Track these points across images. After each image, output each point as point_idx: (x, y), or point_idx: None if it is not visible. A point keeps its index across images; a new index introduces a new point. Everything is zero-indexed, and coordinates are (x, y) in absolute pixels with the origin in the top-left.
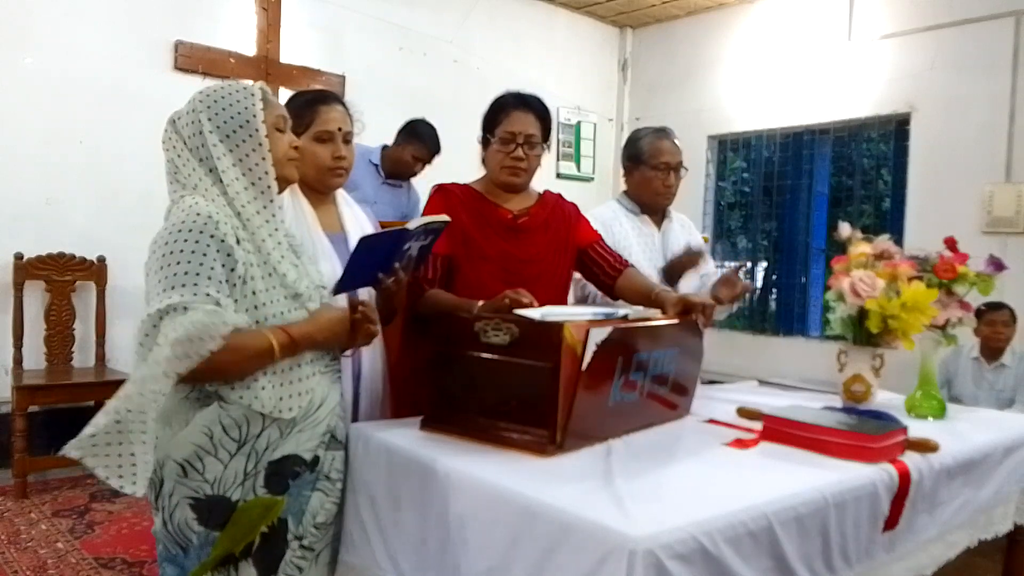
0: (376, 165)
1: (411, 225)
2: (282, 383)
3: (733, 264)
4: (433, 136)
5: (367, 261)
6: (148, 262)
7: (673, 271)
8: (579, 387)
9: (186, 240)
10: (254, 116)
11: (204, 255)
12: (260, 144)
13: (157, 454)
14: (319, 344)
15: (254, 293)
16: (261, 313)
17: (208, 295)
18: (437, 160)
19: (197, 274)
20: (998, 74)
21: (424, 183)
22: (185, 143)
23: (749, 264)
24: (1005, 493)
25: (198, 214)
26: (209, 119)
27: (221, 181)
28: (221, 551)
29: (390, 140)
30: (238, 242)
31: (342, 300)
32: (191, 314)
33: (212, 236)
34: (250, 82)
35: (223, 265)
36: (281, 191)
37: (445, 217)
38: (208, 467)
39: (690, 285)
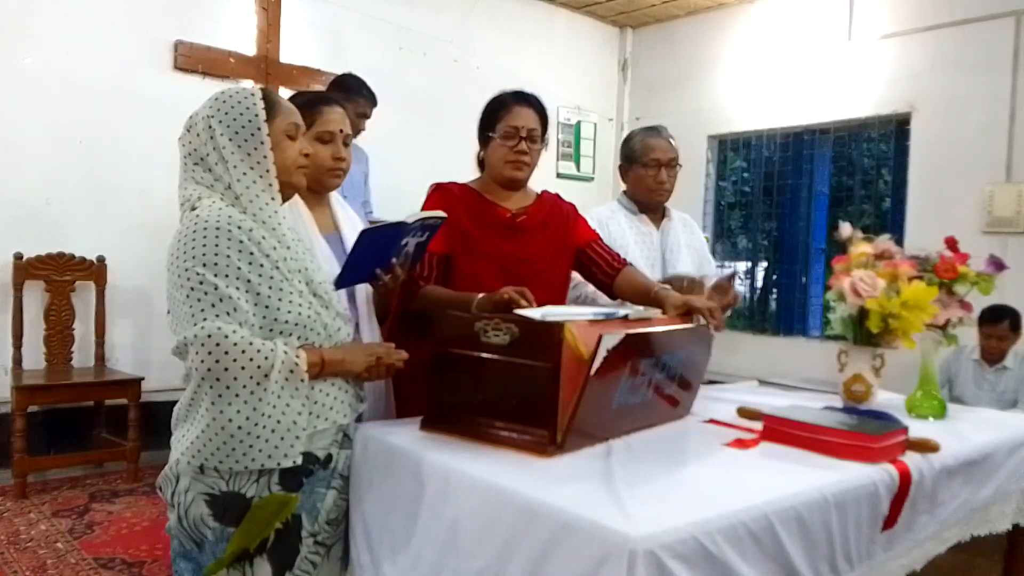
0: None
1: (409, 219)
2: (311, 412)
3: (727, 272)
4: (367, 86)
5: (367, 255)
6: (172, 261)
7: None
8: (585, 390)
9: (216, 240)
10: (256, 116)
11: (228, 256)
12: (263, 143)
13: (173, 451)
14: (345, 372)
15: (281, 290)
16: (283, 311)
17: (235, 308)
18: (441, 163)
19: (224, 275)
20: (998, 74)
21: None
22: (199, 146)
23: (739, 270)
24: (1004, 492)
25: (219, 215)
26: (220, 121)
27: (235, 183)
28: (236, 547)
29: (389, 140)
30: (260, 240)
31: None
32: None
33: (231, 237)
34: (254, 85)
35: (248, 263)
36: (289, 198)
37: (441, 213)
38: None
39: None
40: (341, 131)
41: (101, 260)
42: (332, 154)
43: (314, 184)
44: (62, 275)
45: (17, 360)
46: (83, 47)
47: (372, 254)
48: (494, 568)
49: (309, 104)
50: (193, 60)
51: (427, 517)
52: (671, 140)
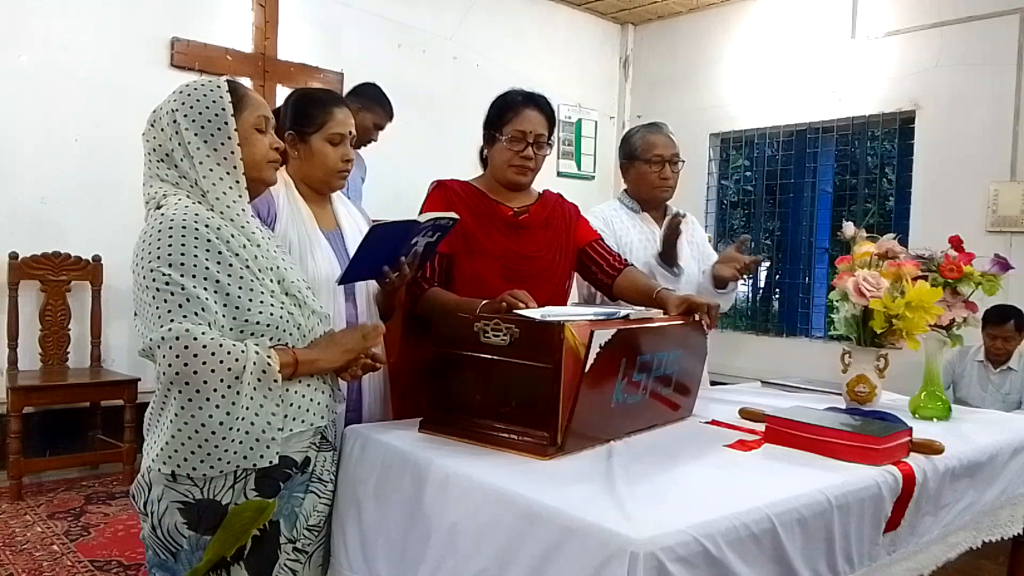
0: None
1: (421, 217)
2: (286, 414)
3: (735, 241)
4: (388, 99)
5: (375, 252)
6: (137, 261)
7: (666, 251)
8: (581, 388)
9: (182, 240)
10: (223, 109)
11: (195, 256)
12: (230, 139)
13: (145, 458)
14: (321, 371)
15: (252, 290)
16: (254, 311)
17: (203, 309)
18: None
19: (192, 275)
20: (1003, 71)
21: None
22: (164, 141)
23: (750, 239)
24: (1012, 495)
25: (185, 213)
26: (185, 115)
27: (201, 180)
28: (212, 556)
29: (388, 137)
30: (229, 239)
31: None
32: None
33: (198, 235)
34: (223, 78)
35: (216, 263)
36: (259, 193)
37: (454, 215)
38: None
39: (691, 283)
40: (350, 132)
41: (97, 260)
42: (341, 156)
43: (320, 185)
44: (58, 275)
45: (12, 361)
46: (79, 44)
47: (380, 251)
48: (494, 570)
49: (319, 104)
50: (190, 57)
51: (424, 519)
52: (672, 136)
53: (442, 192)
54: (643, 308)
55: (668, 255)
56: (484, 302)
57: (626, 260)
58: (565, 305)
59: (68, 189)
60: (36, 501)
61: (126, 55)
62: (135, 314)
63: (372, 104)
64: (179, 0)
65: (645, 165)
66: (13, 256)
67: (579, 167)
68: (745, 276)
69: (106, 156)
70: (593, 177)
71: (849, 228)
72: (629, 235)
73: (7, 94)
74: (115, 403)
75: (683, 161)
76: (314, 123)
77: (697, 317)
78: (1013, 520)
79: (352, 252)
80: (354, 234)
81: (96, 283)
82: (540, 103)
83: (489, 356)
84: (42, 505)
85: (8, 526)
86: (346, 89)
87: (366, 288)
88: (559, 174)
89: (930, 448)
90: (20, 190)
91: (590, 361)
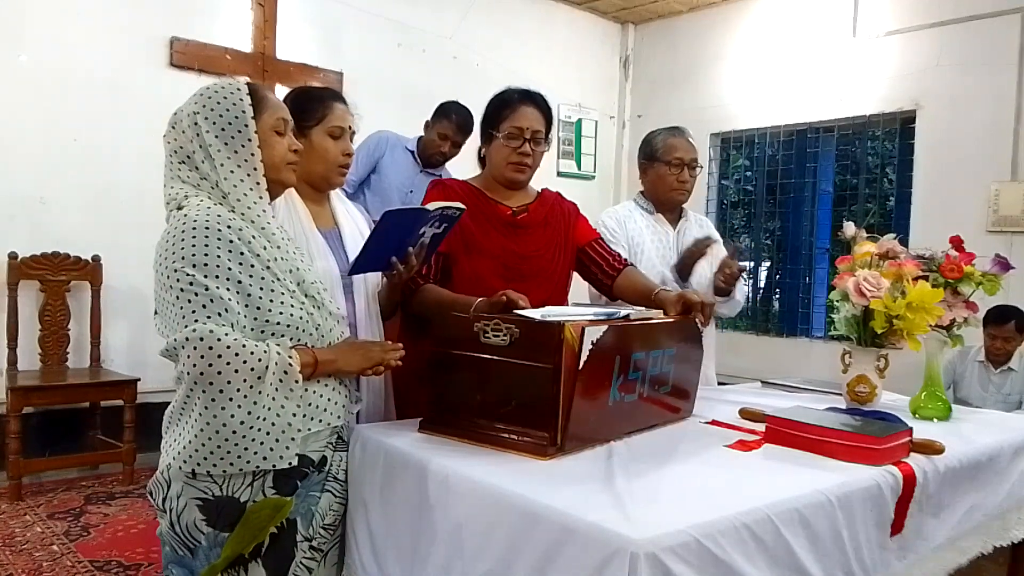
0: (412, 152)
1: (431, 205)
2: (304, 414)
3: (729, 246)
4: (461, 113)
5: (385, 241)
6: (160, 261)
7: (683, 265)
8: (576, 387)
9: (205, 240)
10: (243, 112)
11: (218, 257)
12: (250, 140)
13: (164, 456)
14: (338, 372)
15: (272, 291)
16: (275, 312)
17: (226, 309)
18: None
19: (215, 275)
20: (1004, 71)
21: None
22: (185, 143)
23: (742, 245)
24: (1018, 497)
25: (208, 214)
26: (206, 118)
27: (222, 181)
28: (230, 552)
29: None
30: (251, 240)
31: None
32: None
33: (220, 236)
34: (243, 79)
35: (239, 264)
36: (278, 195)
37: (461, 205)
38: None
39: (702, 282)
40: (350, 127)
41: (96, 260)
42: (342, 150)
43: (320, 181)
44: (57, 275)
45: (12, 361)
46: (78, 44)
47: (390, 240)
48: (499, 571)
49: (317, 98)
50: (189, 57)
51: (430, 521)
52: (692, 140)
53: (441, 191)
54: (643, 308)
55: (684, 270)
56: (480, 300)
57: (626, 260)
58: (565, 304)
59: (67, 189)
60: (36, 501)
61: (125, 55)
62: (155, 312)
63: (438, 116)
64: (179, 0)
65: (665, 167)
66: (13, 256)
67: (579, 167)
68: (731, 283)
69: (105, 156)
70: (593, 177)
71: (849, 228)
72: (642, 236)
73: (7, 94)
74: (115, 403)
75: (701, 166)
76: (313, 117)
77: (693, 314)
78: (1020, 523)
79: (350, 250)
80: (353, 233)
81: (96, 283)
82: (537, 100)
83: (489, 356)
84: (42, 505)
85: (8, 526)
86: (345, 88)
87: (365, 286)
88: (559, 174)
89: (930, 448)
90: (19, 190)
91: (583, 359)
